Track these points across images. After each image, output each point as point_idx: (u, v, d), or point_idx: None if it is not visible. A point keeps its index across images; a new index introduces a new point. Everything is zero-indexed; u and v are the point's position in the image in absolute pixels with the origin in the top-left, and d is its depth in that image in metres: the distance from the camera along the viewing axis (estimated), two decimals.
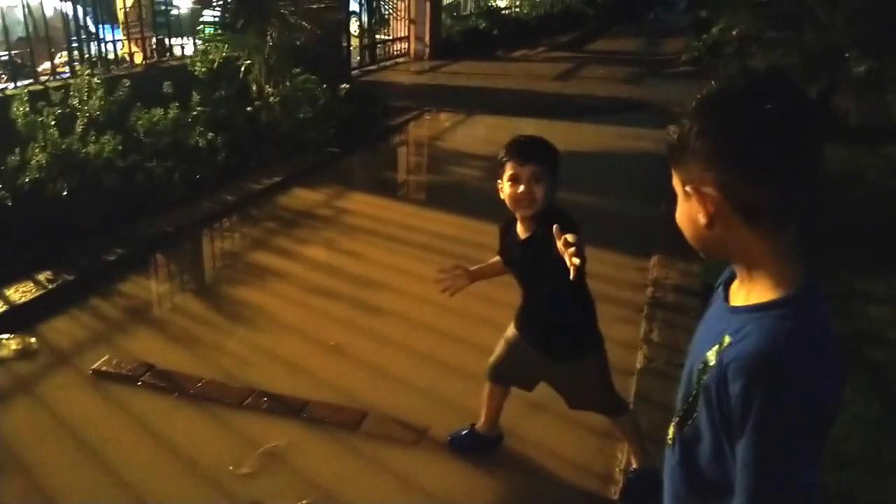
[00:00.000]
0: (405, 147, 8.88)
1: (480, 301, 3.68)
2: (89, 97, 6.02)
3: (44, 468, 2.80)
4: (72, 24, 7.26)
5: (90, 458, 2.86)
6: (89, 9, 7.59)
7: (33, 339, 3.65)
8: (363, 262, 4.79)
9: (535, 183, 2.23)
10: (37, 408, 3.19)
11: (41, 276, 4.20)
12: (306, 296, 4.32)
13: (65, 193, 4.87)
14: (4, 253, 4.30)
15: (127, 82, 6.33)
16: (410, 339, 3.79)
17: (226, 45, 7.57)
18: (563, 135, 7.16)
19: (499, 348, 2.68)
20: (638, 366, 3.40)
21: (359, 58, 12.81)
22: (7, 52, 6.80)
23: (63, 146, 5.23)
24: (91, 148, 5.37)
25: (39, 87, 6.23)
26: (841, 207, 5.22)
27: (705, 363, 1.13)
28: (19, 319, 3.81)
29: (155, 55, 8.19)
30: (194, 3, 8.40)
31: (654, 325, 3.77)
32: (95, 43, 7.54)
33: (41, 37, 6.99)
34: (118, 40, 8.03)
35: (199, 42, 8.33)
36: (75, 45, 7.26)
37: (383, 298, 4.22)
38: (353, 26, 12.60)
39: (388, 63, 13.72)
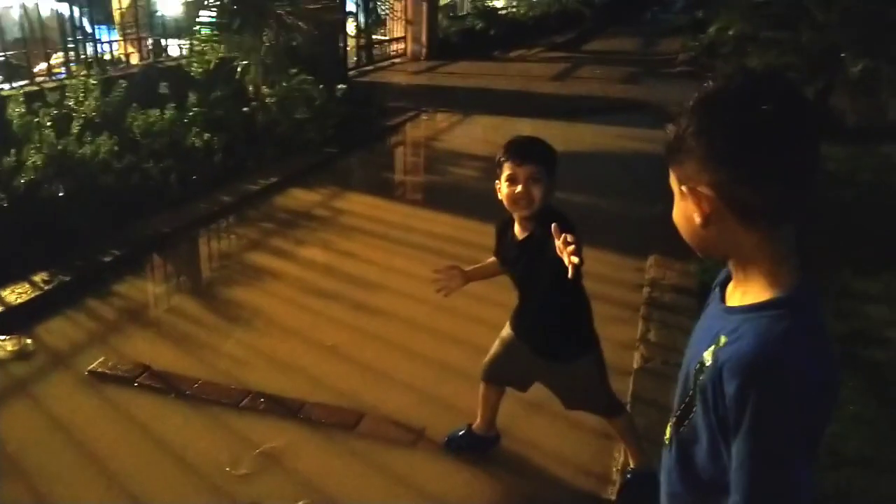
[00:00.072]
0: (402, 147, 8.87)
1: (477, 301, 3.68)
2: (85, 98, 6.01)
3: (40, 469, 2.79)
4: (68, 24, 7.25)
5: (86, 459, 2.85)
6: (85, 9, 7.57)
7: (29, 341, 3.65)
8: (360, 263, 4.78)
9: (532, 183, 2.23)
10: (33, 409, 3.18)
11: (37, 278, 4.19)
12: (303, 296, 4.32)
13: (61, 194, 4.86)
14: (1, 254, 4.29)
15: (123, 83, 6.33)
16: (407, 339, 3.79)
17: (222, 46, 7.56)
18: (560, 135, 7.15)
19: (494, 348, 2.68)
20: (635, 366, 3.40)
21: (356, 58, 12.81)
22: (3, 53, 6.78)
23: (59, 147, 5.22)
24: (87, 149, 5.36)
25: (35, 87, 6.22)
26: (837, 207, 5.23)
27: (702, 363, 1.13)
28: (15, 320, 3.81)
29: (151, 56, 8.18)
30: (184, 2, 8.37)
31: (651, 325, 3.77)
32: (91, 44, 7.53)
33: (37, 38, 6.97)
34: (114, 41, 8.02)
35: (189, 43, 8.32)
36: (71, 45, 7.25)
37: (380, 299, 4.22)
38: (350, 27, 12.60)
39: (384, 63, 13.72)
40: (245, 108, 7.23)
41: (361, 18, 12.95)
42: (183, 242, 5.17)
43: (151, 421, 3.07)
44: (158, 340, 3.78)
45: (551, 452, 2.91)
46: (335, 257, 4.95)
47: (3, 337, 3.63)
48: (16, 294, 4.03)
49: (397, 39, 14.40)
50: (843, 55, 7.67)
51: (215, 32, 7.67)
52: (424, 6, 14.16)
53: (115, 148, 5.52)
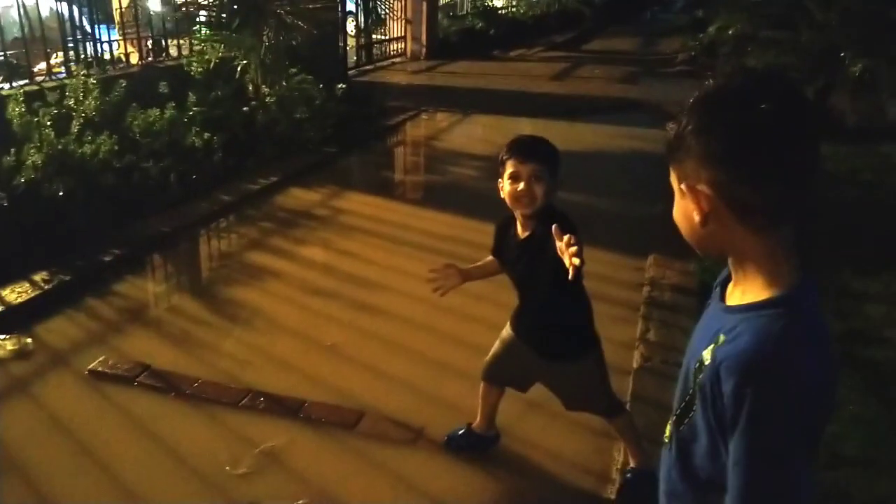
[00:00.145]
0: (402, 147, 8.87)
1: (478, 301, 3.68)
2: (85, 97, 6.00)
3: (40, 469, 2.79)
4: (68, 24, 7.24)
5: (86, 459, 2.85)
6: (85, 9, 7.57)
7: (29, 340, 3.65)
8: (360, 262, 4.78)
9: (535, 181, 2.24)
10: (33, 408, 3.18)
11: (37, 277, 4.19)
12: (303, 296, 4.32)
13: (61, 194, 4.85)
14: (1, 254, 4.29)
15: (123, 82, 6.32)
16: (407, 338, 3.79)
17: (222, 46, 7.56)
18: (560, 134, 7.14)
19: (494, 348, 2.68)
20: (635, 365, 3.40)
21: (355, 58, 12.79)
22: (3, 53, 6.78)
23: (59, 147, 5.22)
24: (87, 148, 5.36)
25: (35, 87, 6.21)
26: (837, 207, 5.23)
27: (701, 362, 1.13)
28: (15, 320, 3.80)
29: (151, 55, 8.17)
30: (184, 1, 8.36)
31: (651, 324, 3.78)
32: (91, 43, 7.52)
33: (37, 37, 6.97)
34: (114, 40, 8.02)
35: (188, 42, 8.31)
36: (71, 45, 7.24)
37: (380, 298, 4.22)
38: (350, 26, 12.59)
39: (384, 63, 13.70)
40: (245, 108, 7.22)
41: (361, 18, 12.93)
42: (183, 242, 5.17)
43: (151, 420, 3.08)
44: (158, 340, 3.78)
45: (551, 451, 2.91)
46: (335, 256, 4.95)
47: (3, 336, 3.63)
48: (16, 293, 4.03)
49: (397, 39, 14.39)
50: (843, 55, 7.68)
51: (215, 32, 7.68)
52: (424, 6, 14.15)
53: (115, 147, 5.51)
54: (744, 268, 1.14)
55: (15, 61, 7.14)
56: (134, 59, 7.84)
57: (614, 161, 7.66)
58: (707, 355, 1.12)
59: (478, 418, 2.86)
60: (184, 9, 8.10)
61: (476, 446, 2.88)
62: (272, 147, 6.89)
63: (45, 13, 7.23)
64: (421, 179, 7.69)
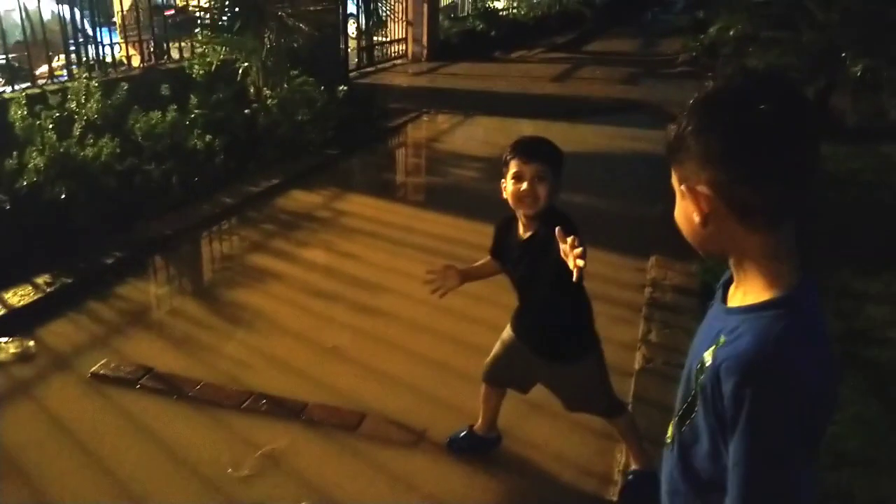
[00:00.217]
0: (403, 149, 8.88)
1: (479, 302, 3.68)
2: (87, 100, 6.02)
3: (42, 471, 2.80)
4: (69, 27, 7.26)
5: (88, 461, 2.86)
6: (87, 12, 7.58)
7: (32, 343, 3.65)
8: (362, 264, 4.79)
9: (538, 181, 2.24)
10: (35, 411, 3.18)
11: (39, 280, 4.19)
12: (305, 298, 4.32)
13: (63, 197, 4.86)
14: (3, 256, 4.30)
15: (124, 85, 6.33)
16: (409, 340, 3.79)
17: (223, 48, 7.57)
18: (561, 135, 7.11)
19: (495, 350, 2.68)
20: (636, 366, 3.40)
21: (356, 60, 12.80)
22: (5, 56, 6.80)
23: (61, 149, 5.22)
24: (89, 151, 5.37)
25: (37, 90, 6.22)
26: (837, 207, 5.23)
27: (702, 363, 1.14)
28: (17, 323, 3.81)
29: (153, 58, 8.19)
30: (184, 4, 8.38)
31: (653, 325, 3.77)
32: (93, 46, 7.53)
33: (38, 40, 6.98)
34: (116, 43, 8.03)
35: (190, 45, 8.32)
36: (73, 48, 7.26)
37: (382, 300, 4.22)
38: (351, 28, 12.60)
39: (385, 65, 13.72)
40: (246, 110, 7.24)
41: (362, 20, 12.95)
42: (185, 244, 5.18)
43: (153, 423, 3.08)
44: (160, 342, 3.78)
45: (552, 453, 2.91)
46: (336, 258, 4.96)
47: (5, 339, 3.64)
48: (18, 296, 4.04)
49: (398, 41, 14.40)
50: (843, 55, 7.68)
51: (216, 34, 7.69)
52: (425, 7, 14.16)
53: (117, 150, 5.52)
54: (744, 268, 1.14)
55: (17, 64, 7.17)
56: (135, 61, 7.85)
57: (615, 162, 7.65)
58: (708, 356, 1.12)
59: (479, 420, 2.86)
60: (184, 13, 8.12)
61: (478, 448, 2.88)
62: (273, 149, 6.90)
63: (46, 16, 7.25)
64: (422, 181, 7.69)
